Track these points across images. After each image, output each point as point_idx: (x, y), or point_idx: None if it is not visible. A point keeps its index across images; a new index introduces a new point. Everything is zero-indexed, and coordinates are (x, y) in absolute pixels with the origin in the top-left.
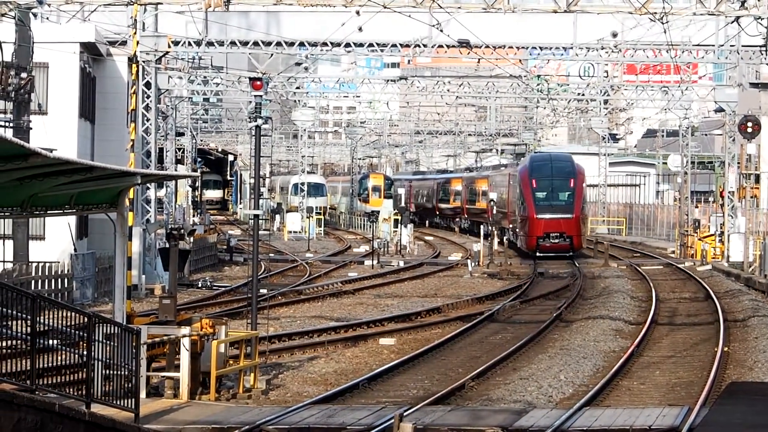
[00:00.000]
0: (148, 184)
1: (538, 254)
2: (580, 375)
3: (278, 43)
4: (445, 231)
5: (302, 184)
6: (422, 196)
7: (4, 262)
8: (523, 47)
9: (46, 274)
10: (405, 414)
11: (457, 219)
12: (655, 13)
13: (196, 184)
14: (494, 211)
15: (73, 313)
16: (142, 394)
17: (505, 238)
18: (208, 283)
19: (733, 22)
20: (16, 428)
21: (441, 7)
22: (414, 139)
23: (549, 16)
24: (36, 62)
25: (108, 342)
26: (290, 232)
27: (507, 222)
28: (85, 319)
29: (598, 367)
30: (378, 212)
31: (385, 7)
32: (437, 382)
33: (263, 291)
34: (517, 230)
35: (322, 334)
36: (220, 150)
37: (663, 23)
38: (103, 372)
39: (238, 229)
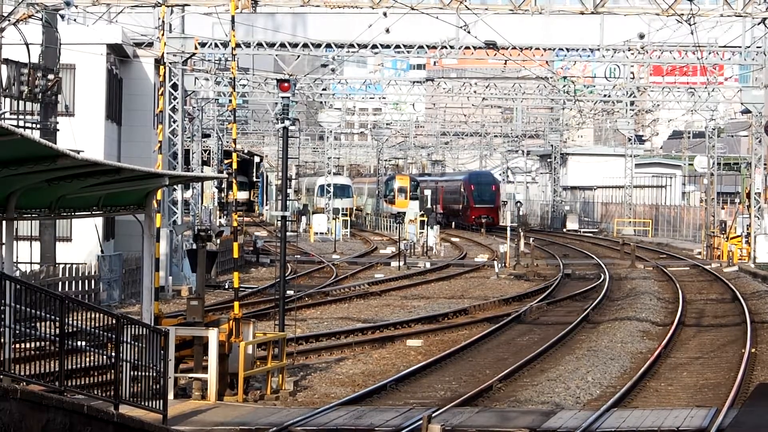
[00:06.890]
0: (174, 186)
1: (473, 226)
2: (607, 376)
3: (305, 45)
4: (471, 232)
5: (328, 185)
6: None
7: (31, 263)
8: (549, 49)
9: (73, 275)
10: (433, 415)
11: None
12: (682, 14)
13: (223, 186)
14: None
15: (101, 315)
16: (170, 396)
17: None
18: None
19: (759, 23)
20: (45, 429)
21: (468, 9)
22: (440, 140)
23: (576, 17)
24: (63, 64)
25: (136, 343)
26: (316, 233)
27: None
28: (114, 321)
29: (626, 369)
30: (404, 213)
31: (412, 9)
32: (465, 383)
33: (290, 292)
34: (461, 214)
35: (349, 336)
36: (246, 151)
37: (690, 25)
38: (131, 373)
39: (265, 231)
